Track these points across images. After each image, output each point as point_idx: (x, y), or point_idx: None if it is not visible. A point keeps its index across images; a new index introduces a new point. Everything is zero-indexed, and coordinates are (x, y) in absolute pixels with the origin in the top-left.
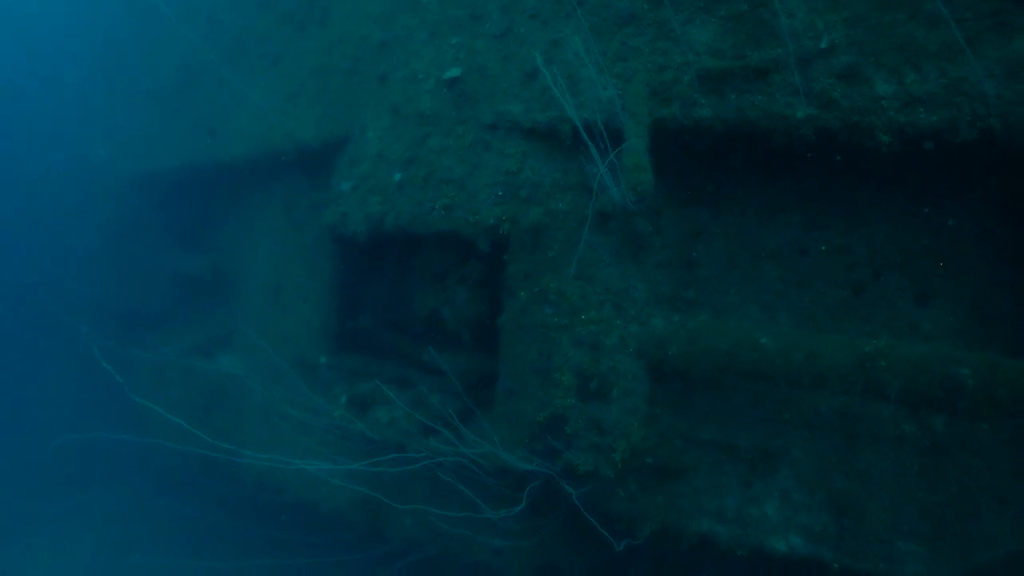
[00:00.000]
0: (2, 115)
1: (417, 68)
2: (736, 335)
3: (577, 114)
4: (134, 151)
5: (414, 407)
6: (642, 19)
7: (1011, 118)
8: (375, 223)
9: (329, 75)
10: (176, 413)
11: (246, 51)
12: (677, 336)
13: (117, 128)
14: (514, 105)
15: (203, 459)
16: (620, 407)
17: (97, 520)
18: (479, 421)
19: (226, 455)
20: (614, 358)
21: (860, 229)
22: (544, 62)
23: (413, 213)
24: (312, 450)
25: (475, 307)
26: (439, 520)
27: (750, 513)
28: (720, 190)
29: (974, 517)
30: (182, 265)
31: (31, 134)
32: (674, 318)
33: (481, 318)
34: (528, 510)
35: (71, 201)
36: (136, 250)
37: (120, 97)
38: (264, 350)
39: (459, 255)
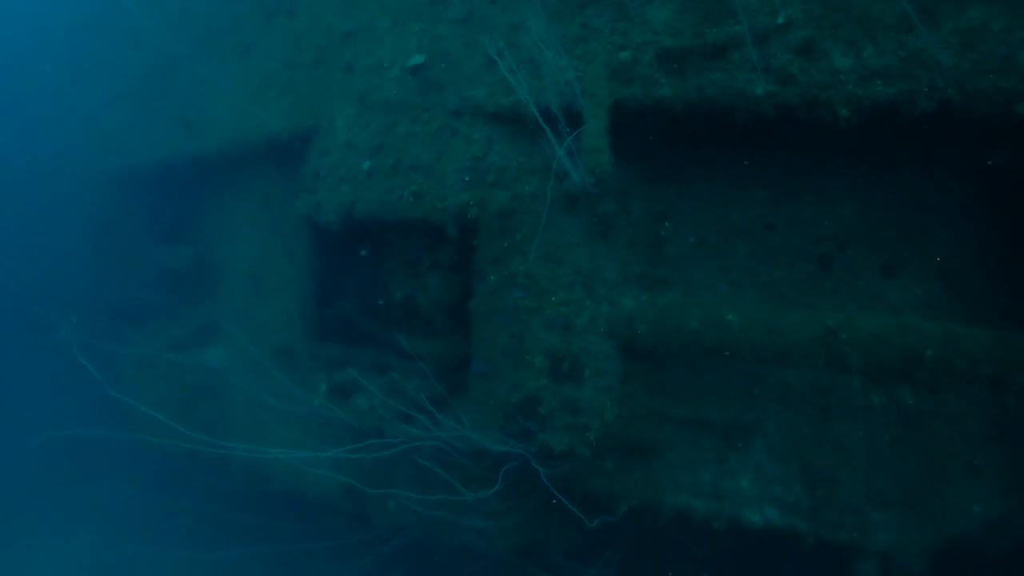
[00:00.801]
0: None
1: (382, 56)
2: (702, 312)
3: (538, 98)
4: (112, 145)
5: (391, 393)
6: (601, 0)
7: (968, 88)
8: (346, 212)
9: (297, 66)
10: (162, 407)
11: (218, 42)
12: (646, 315)
13: (94, 122)
14: (478, 90)
15: (190, 451)
16: (593, 387)
17: (90, 515)
18: (452, 405)
19: (202, 446)
20: (585, 338)
21: (826, 203)
22: (506, 46)
23: (382, 201)
24: (294, 440)
25: (448, 292)
26: (416, 504)
27: (725, 487)
28: (687, 168)
29: (946, 485)
30: (164, 258)
31: (5, 130)
32: (643, 297)
33: (454, 303)
34: (509, 490)
35: (50, 197)
36: (118, 245)
37: (96, 90)
38: (244, 342)
39: (431, 241)
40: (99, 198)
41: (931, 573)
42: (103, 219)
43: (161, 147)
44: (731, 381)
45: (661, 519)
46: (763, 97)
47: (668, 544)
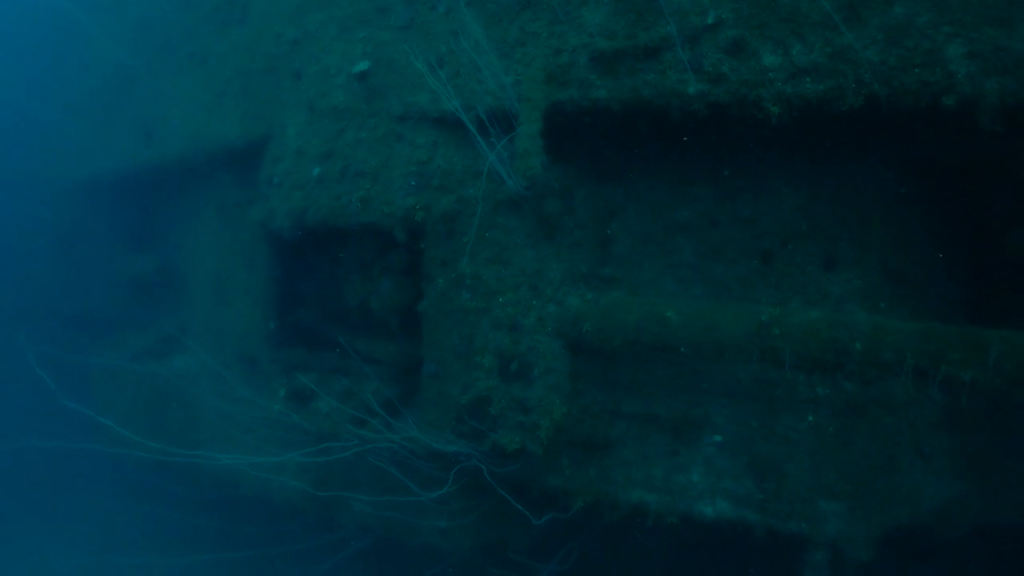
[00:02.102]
0: None
1: (329, 63)
2: (643, 310)
3: (478, 102)
4: (75, 156)
5: (347, 397)
6: (539, 4)
7: (895, 83)
8: (297, 218)
9: (250, 74)
10: (131, 416)
11: (176, 52)
12: (590, 313)
13: (56, 134)
14: (421, 95)
15: (158, 460)
16: (542, 385)
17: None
18: (404, 407)
19: (156, 454)
20: (533, 338)
21: (766, 199)
22: (447, 52)
23: (332, 206)
24: (257, 447)
25: (400, 295)
26: (368, 506)
27: (677, 481)
28: (632, 168)
29: (894, 473)
30: (130, 267)
31: None
32: (588, 296)
33: (407, 306)
34: (466, 489)
35: (14, 208)
36: (83, 255)
37: (58, 102)
38: (210, 349)
39: (382, 245)
40: (63, 209)
41: (884, 560)
42: (67, 230)
43: (123, 157)
44: (680, 377)
45: (616, 514)
46: (696, 96)
47: (624, 538)
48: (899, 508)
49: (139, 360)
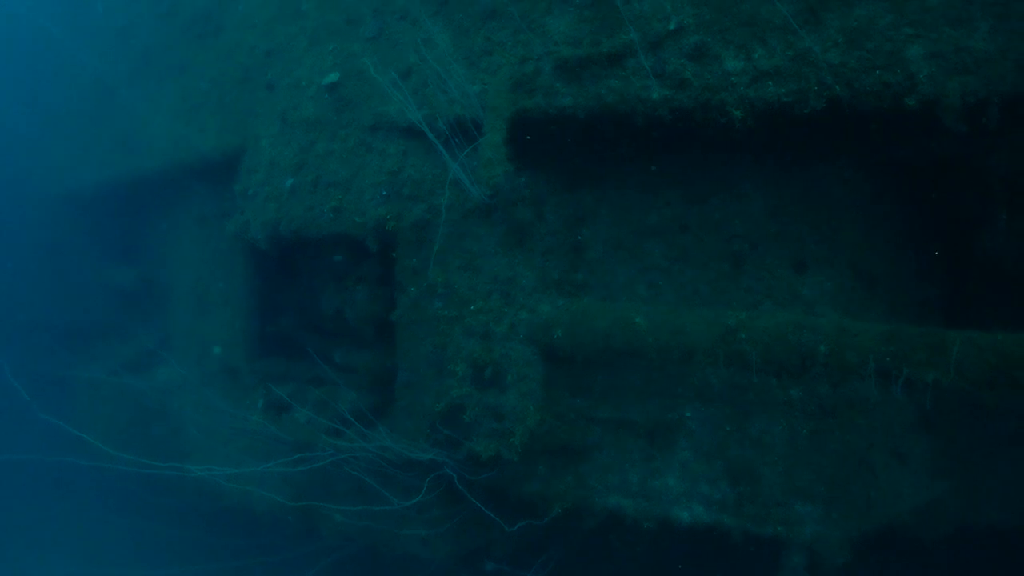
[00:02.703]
0: None
1: (300, 75)
2: (613, 316)
3: (446, 111)
4: (57, 168)
5: (323, 406)
6: (504, 13)
7: (856, 85)
8: (271, 229)
9: (225, 86)
10: (115, 428)
11: (155, 63)
12: (561, 320)
13: (39, 146)
14: (391, 106)
15: (143, 473)
16: (516, 392)
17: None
18: (380, 415)
19: (126, 466)
20: (505, 345)
21: (736, 202)
22: (415, 62)
23: (305, 217)
24: (237, 458)
25: (375, 304)
26: (348, 515)
27: (653, 486)
28: (602, 173)
29: (870, 474)
30: (113, 278)
31: None
32: (559, 302)
33: (381, 315)
34: (444, 497)
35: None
36: (67, 266)
37: (40, 114)
38: (192, 360)
39: (356, 255)
40: (46, 221)
41: (862, 562)
42: (51, 242)
43: (105, 169)
44: (653, 382)
45: (593, 520)
46: (659, 102)
47: (602, 544)
48: (876, 510)
49: (122, 372)
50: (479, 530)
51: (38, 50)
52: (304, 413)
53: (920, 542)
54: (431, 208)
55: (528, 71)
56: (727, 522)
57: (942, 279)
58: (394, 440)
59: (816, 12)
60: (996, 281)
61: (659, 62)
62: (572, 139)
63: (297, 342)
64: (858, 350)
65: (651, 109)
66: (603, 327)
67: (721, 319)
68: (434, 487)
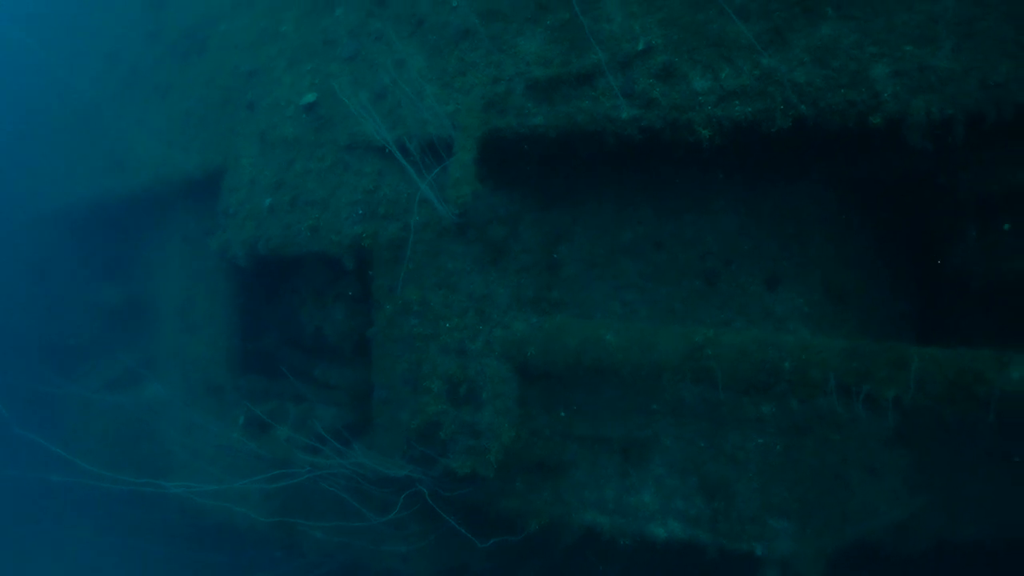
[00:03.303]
0: None
1: (279, 95)
2: (585, 333)
3: (419, 131)
4: (46, 187)
5: (302, 424)
6: (476, 34)
7: (821, 103)
8: (251, 247)
9: (208, 105)
10: (102, 445)
11: (141, 83)
12: (535, 337)
13: (29, 165)
14: (366, 125)
15: (129, 491)
16: (491, 409)
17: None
18: (359, 432)
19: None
20: (481, 362)
21: (709, 220)
22: (390, 82)
23: (283, 235)
24: (220, 476)
25: (353, 321)
26: (328, 532)
27: (629, 502)
28: (577, 192)
29: (844, 490)
30: (100, 296)
31: None
32: (533, 320)
33: (359, 331)
34: (422, 513)
35: None
36: (55, 284)
37: (29, 134)
38: (178, 378)
39: (334, 273)
40: (35, 240)
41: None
42: (39, 260)
43: (93, 188)
44: (627, 398)
45: (571, 536)
46: (629, 121)
47: (580, 561)
48: (851, 525)
49: (110, 390)
50: (459, 546)
51: (27, 71)
52: (283, 430)
53: (898, 557)
54: (406, 226)
55: (500, 91)
56: (702, 538)
57: (914, 295)
58: (369, 457)
59: (781, 32)
60: (966, 296)
61: (628, 82)
62: (545, 158)
63: (279, 359)
64: (821, 366)
65: (621, 128)
66: (575, 344)
67: (689, 336)
68: (412, 503)
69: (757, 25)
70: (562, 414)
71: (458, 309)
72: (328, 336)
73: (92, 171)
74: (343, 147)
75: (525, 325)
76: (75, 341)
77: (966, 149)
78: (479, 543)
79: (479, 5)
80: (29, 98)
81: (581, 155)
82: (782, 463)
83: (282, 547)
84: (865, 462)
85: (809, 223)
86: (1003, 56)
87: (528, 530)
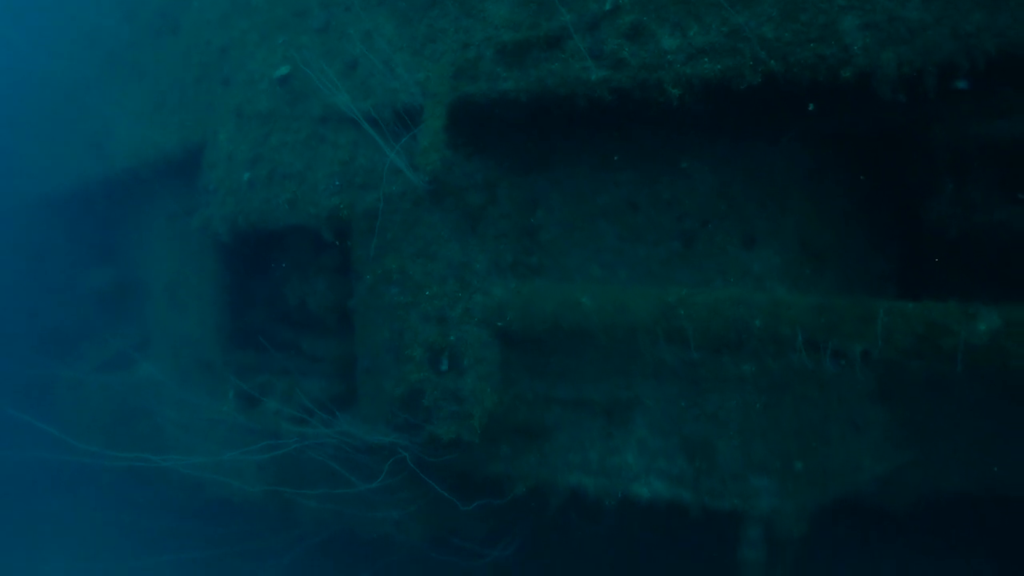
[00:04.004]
0: None
1: (253, 69)
2: (561, 296)
3: (392, 99)
4: (32, 172)
5: (288, 396)
6: (445, 0)
7: (791, 59)
8: (232, 223)
9: (185, 83)
10: (99, 425)
11: (119, 64)
12: (513, 302)
13: (12, 150)
14: (339, 96)
15: (126, 467)
16: (473, 375)
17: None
18: (346, 402)
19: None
20: (461, 329)
21: (684, 180)
22: (361, 52)
23: (262, 210)
24: (214, 450)
25: (335, 293)
26: (320, 500)
27: (613, 463)
28: (553, 156)
29: (826, 446)
30: (90, 279)
31: None
32: (511, 285)
33: (342, 303)
34: (411, 479)
35: None
36: (46, 269)
37: (12, 119)
38: (170, 356)
39: (315, 245)
40: (23, 224)
41: (824, 532)
42: (28, 246)
43: (77, 171)
44: (609, 360)
45: (557, 499)
46: (598, 83)
47: (567, 522)
48: (834, 481)
49: (103, 371)
50: (452, 511)
51: (7, 56)
52: (272, 403)
53: (882, 511)
54: (384, 196)
55: (470, 57)
56: (685, 497)
57: (896, 250)
58: (353, 425)
59: None
60: (946, 251)
61: (597, 43)
62: (519, 123)
63: (267, 333)
64: (790, 323)
65: (591, 90)
66: (552, 308)
67: (662, 297)
68: (400, 470)
69: None
70: (541, 380)
71: (437, 277)
72: (312, 309)
73: (76, 155)
74: (317, 119)
75: (504, 291)
76: (69, 325)
77: (939, 101)
78: (462, 506)
79: None
80: (8, 84)
81: (554, 119)
82: (763, 421)
83: (278, 517)
84: (847, 418)
85: (786, 181)
86: (974, 5)
87: (515, 493)
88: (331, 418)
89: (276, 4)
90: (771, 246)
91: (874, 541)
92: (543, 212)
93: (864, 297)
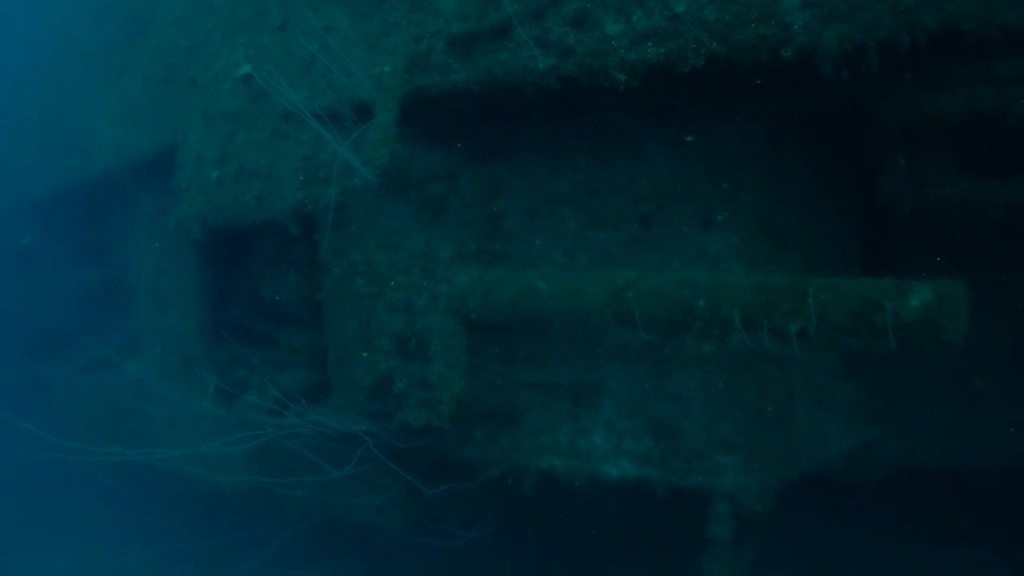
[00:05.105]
0: None
1: (217, 69)
2: (519, 282)
3: (349, 94)
4: (18, 176)
5: (264, 388)
6: None
7: (732, 40)
8: (203, 221)
9: (155, 84)
10: (92, 423)
11: (95, 68)
12: (475, 290)
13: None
14: (301, 93)
15: (123, 464)
16: (441, 362)
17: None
18: (320, 393)
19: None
20: (428, 317)
21: (641, 164)
22: (318, 48)
23: (232, 207)
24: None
25: (306, 286)
26: (305, 489)
27: (581, 445)
28: (514, 144)
29: (789, 423)
30: (80, 280)
31: None
32: (474, 273)
33: (313, 296)
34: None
35: None
36: (35, 270)
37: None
38: (156, 354)
39: (285, 240)
40: (10, 229)
41: (794, 506)
42: (16, 249)
43: (60, 174)
44: (574, 344)
45: (530, 481)
46: (546, 71)
47: (540, 504)
48: (800, 457)
49: (93, 370)
50: (432, 497)
51: None
52: (251, 396)
53: (854, 486)
54: (345, 190)
55: (422, 49)
56: (653, 476)
57: (857, 228)
58: (323, 415)
59: None
60: (903, 226)
61: (543, 31)
62: (475, 113)
63: (247, 328)
64: (731, 303)
65: (539, 79)
66: (511, 295)
67: (613, 280)
68: (375, 457)
69: None
70: (509, 365)
71: (402, 267)
72: (286, 302)
73: (58, 158)
74: (280, 116)
75: (466, 278)
76: (57, 325)
77: (885, 78)
78: (428, 490)
79: None
80: None
81: (508, 108)
82: (725, 400)
83: (264, 508)
84: (812, 396)
85: (741, 162)
86: None
87: (489, 476)
88: (304, 409)
89: (237, 3)
90: (728, 227)
91: (845, 513)
92: (505, 200)
93: (803, 276)
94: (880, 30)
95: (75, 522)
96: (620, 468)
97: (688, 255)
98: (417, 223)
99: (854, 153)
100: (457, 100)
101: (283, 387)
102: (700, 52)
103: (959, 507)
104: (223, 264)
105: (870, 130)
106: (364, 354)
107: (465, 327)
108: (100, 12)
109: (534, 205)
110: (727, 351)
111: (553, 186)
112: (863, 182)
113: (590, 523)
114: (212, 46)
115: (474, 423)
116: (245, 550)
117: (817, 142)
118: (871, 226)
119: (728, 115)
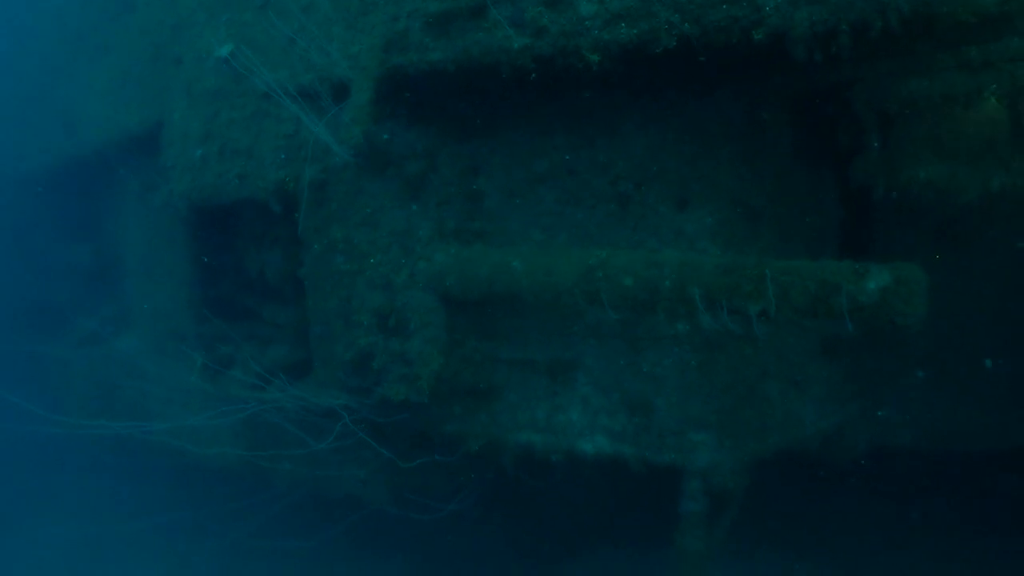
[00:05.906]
0: None
1: (200, 48)
2: (495, 260)
3: (330, 73)
4: (10, 152)
5: (254, 362)
6: None
7: (704, 21)
8: (189, 199)
9: (142, 62)
10: (86, 398)
11: (86, 43)
12: (452, 268)
13: None
14: (282, 72)
15: (116, 438)
16: (420, 339)
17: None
18: (293, 369)
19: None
20: (407, 294)
21: (618, 143)
22: (299, 27)
23: (215, 185)
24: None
25: (289, 263)
26: (293, 462)
27: (558, 420)
28: (493, 123)
29: (762, 402)
30: (72, 257)
31: None
32: (451, 250)
33: (295, 272)
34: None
35: None
36: (27, 246)
37: None
38: (147, 330)
39: (268, 218)
40: (9, 203)
41: (770, 485)
42: (9, 225)
43: (51, 151)
44: (551, 321)
45: (509, 456)
46: (520, 51)
47: (518, 478)
48: (773, 436)
49: (85, 345)
50: (417, 469)
51: None
52: (236, 372)
53: (830, 465)
54: (326, 168)
55: (399, 29)
56: (627, 452)
57: (835, 207)
58: (305, 390)
59: None
60: (874, 208)
61: (518, 11)
62: (453, 92)
63: (234, 304)
64: (696, 283)
65: (514, 59)
66: (486, 273)
67: (584, 259)
68: (356, 431)
69: None
70: (488, 341)
71: (382, 245)
72: (270, 279)
73: (49, 134)
74: (261, 95)
75: (444, 256)
76: (50, 300)
77: (858, 60)
78: (402, 463)
79: None
80: None
81: (486, 87)
82: (698, 378)
83: (253, 480)
84: (786, 375)
85: (718, 142)
86: None
87: (469, 451)
88: (285, 384)
89: None
90: (704, 207)
91: (820, 491)
92: (484, 178)
93: (772, 258)
94: (852, 12)
95: (69, 496)
96: (595, 444)
97: (664, 234)
98: (397, 201)
99: (830, 134)
100: (434, 79)
101: (268, 362)
102: (672, 33)
103: (934, 489)
104: (210, 241)
105: (844, 112)
106: (344, 330)
107: (444, 304)
108: None
109: (513, 184)
110: (700, 331)
111: (532, 165)
112: (839, 163)
113: (568, 497)
114: (196, 25)
115: (453, 399)
116: (234, 521)
117: (794, 123)
118: (846, 208)
119: (704, 95)
